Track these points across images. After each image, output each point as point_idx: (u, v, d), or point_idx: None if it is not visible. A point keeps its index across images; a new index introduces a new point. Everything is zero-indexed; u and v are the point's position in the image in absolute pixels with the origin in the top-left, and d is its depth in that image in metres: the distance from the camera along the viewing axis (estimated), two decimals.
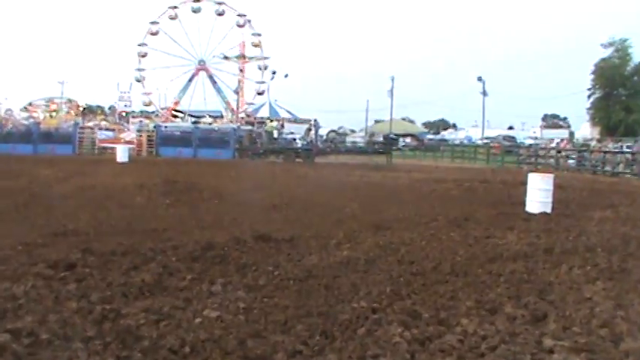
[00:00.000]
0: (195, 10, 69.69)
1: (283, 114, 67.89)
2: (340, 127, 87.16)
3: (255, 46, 69.80)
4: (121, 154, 36.83)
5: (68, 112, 61.26)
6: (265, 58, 69.97)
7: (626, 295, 6.78)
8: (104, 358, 4.86)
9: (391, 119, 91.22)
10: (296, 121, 65.38)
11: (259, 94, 70.64)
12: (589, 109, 70.70)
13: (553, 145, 57.28)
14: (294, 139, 50.61)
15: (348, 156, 46.01)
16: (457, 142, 76.90)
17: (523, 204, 15.32)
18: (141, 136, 46.72)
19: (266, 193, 18.70)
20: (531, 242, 10.31)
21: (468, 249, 9.72)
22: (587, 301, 6.57)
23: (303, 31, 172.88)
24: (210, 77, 72.36)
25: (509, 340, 5.31)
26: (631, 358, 4.90)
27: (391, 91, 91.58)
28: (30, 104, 61.65)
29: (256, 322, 5.82)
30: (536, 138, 77.39)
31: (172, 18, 69.76)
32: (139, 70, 69.68)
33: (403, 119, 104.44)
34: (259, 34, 70.14)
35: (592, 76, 68.27)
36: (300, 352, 5.13)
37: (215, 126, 54.74)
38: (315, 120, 58.51)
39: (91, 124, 53.92)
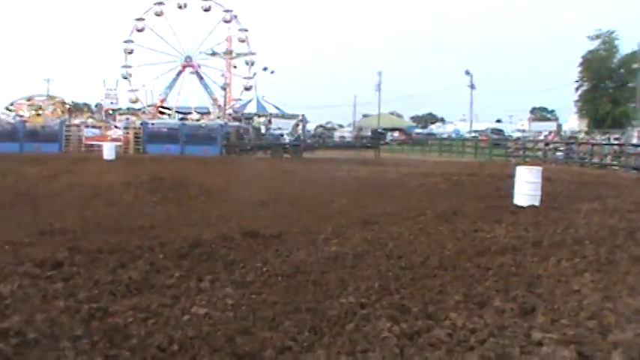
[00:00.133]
0: (181, 6, 69.45)
1: (271, 110, 67.75)
2: (328, 122, 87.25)
3: (242, 41, 69.64)
4: (108, 151, 36.63)
5: (54, 110, 60.88)
6: (252, 53, 69.87)
7: (614, 287, 6.80)
8: (92, 357, 4.84)
9: (379, 114, 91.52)
10: (283, 116, 65.29)
11: (246, 89, 70.57)
12: (576, 101, 71.10)
13: (541, 137, 57.57)
14: (282, 135, 50.57)
15: (336, 151, 46.01)
16: (445, 135, 77.10)
17: (511, 197, 15.35)
18: (128, 133, 46.48)
19: (254, 190, 18.69)
20: (519, 235, 10.34)
21: (456, 243, 9.74)
22: (576, 293, 6.59)
23: (290, 26, 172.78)
24: (197, 73, 72.18)
25: (497, 334, 5.32)
26: (619, 349, 4.91)
27: (379, 85, 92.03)
28: (14, 103, 61.23)
29: (244, 319, 5.81)
30: (524, 131, 77.81)
31: (158, 14, 69.51)
32: (126, 67, 69.43)
33: (391, 114, 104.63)
34: (246, 30, 70.02)
35: (579, 69, 68.66)
36: (289, 348, 5.12)
37: (202, 122, 54.51)
38: (303, 115, 58.48)
39: (77, 121, 53.55)
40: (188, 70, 72.07)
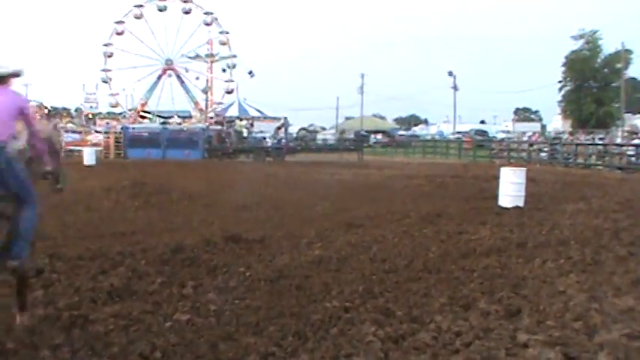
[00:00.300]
0: (161, 9, 68.99)
1: (253, 113, 67.48)
2: (311, 125, 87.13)
3: (223, 44, 69.29)
4: (88, 156, 36.32)
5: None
6: (233, 56, 69.64)
7: (600, 288, 6.85)
8: None
9: (362, 116, 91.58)
10: (266, 119, 65.19)
11: (228, 92, 70.28)
12: (560, 101, 71.52)
13: (525, 138, 57.82)
14: (264, 138, 50.44)
15: (319, 154, 46.01)
16: (429, 137, 77.30)
17: (495, 198, 15.44)
18: (108, 137, 46.17)
19: (236, 194, 18.63)
20: (504, 237, 10.40)
21: (440, 245, 9.78)
22: (561, 294, 6.63)
23: (271, 28, 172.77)
24: (178, 77, 71.81)
25: (483, 336, 5.34)
26: (605, 350, 4.93)
27: (361, 87, 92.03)
28: None
29: (228, 325, 5.80)
30: (508, 132, 78.14)
31: (138, 17, 68.99)
32: (105, 70, 68.82)
33: (374, 116, 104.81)
34: (227, 32, 69.77)
35: (563, 69, 69.07)
36: (273, 353, 5.11)
37: (184, 126, 54.28)
38: (285, 118, 58.41)
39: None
40: (169, 73, 71.73)
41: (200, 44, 68.35)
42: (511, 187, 15.25)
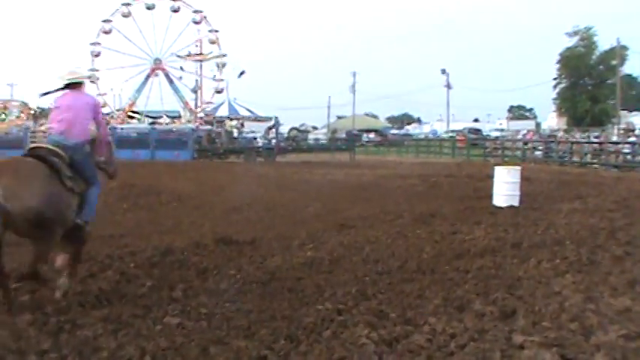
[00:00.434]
0: (150, 7, 68.83)
1: (243, 112, 67.45)
2: (302, 125, 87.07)
3: (213, 42, 69.22)
4: None
5: (19, 116, 60.18)
6: (223, 55, 69.54)
7: (596, 288, 6.86)
8: None
9: (354, 115, 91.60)
10: (256, 119, 65.13)
11: (218, 92, 70.17)
12: (555, 99, 71.85)
13: (519, 136, 57.99)
14: (255, 138, 50.39)
15: (311, 154, 46.00)
16: (422, 136, 77.41)
17: (490, 198, 15.48)
18: None
19: (226, 195, 18.61)
20: (499, 237, 10.42)
21: (434, 246, 9.79)
22: (557, 295, 6.63)
23: (261, 26, 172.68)
24: (167, 76, 71.65)
25: (478, 338, 5.33)
26: (602, 351, 4.94)
27: (353, 86, 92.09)
28: None
29: (218, 328, 5.79)
30: (502, 130, 78.37)
31: (125, 15, 68.81)
32: (93, 70, 68.59)
33: (366, 115, 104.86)
34: (216, 31, 69.67)
35: (557, 66, 69.28)
36: (265, 357, 5.11)
37: (173, 126, 54.20)
38: (276, 118, 58.39)
39: (43, 127, 52.96)
40: (158, 72, 71.52)
41: (189, 43, 68.22)
42: (505, 187, 15.28)
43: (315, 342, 5.39)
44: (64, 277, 6.89)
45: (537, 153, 41.95)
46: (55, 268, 6.98)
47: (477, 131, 75.81)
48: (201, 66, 66.65)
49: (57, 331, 5.61)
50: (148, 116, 64.27)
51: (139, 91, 70.50)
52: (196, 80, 64.74)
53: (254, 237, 10.59)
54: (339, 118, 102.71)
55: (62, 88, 7.32)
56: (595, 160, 35.59)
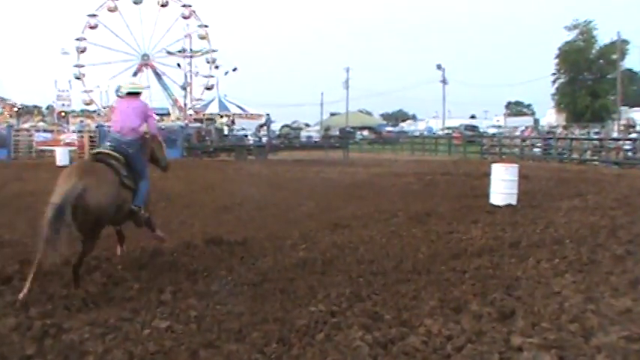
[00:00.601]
0: (137, 2, 68.82)
1: (234, 109, 67.61)
2: (294, 122, 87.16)
3: (202, 38, 69.32)
4: (61, 157, 36.08)
5: (2, 114, 60.02)
6: (213, 50, 69.58)
7: (597, 288, 6.89)
8: None
9: (347, 112, 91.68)
10: (247, 116, 65.26)
11: (208, 89, 70.23)
12: (554, 94, 71.80)
13: (517, 133, 58.05)
14: (246, 136, 50.43)
15: (303, 152, 45.99)
16: (417, 133, 77.39)
17: (487, 196, 15.51)
18: (82, 137, 45.77)
19: (217, 194, 18.58)
20: (496, 236, 10.45)
21: (430, 245, 9.81)
22: (556, 295, 6.66)
23: (252, 21, 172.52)
24: (156, 73, 71.62)
25: (475, 340, 5.34)
26: (603, 353, 4.95)
27: (346, 82, 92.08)
28: None
29: (209, 331, 5.78)
30: (499, 127, 78.51)
31: (112, 10, 68.79)
32: (78, 66, 68.55)
33: (360, 111, 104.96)
34: (206, 26, 69.75)
35: (556, 61, 69.33)
36: None
37: (162, 124, 54.09)
38: (268, 115, 58.42)
39: (27, 125, 52.85)
40: (146, 69, 71.42)
41: (178, 38, 68.15)
42: (503, 185, 15.30)
43: (308, 345, 5.39)
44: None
45: (536, 150, 42.02)
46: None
47: (474, 128, 75.91)
48: (190, 62, 66.55)
49: (41, 335, 5.59)
50: None
51: None
52: (185, 76, 64.60)
53: (245, 237, 10.58)
54: (332, 115, 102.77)
55: (124, 95, 8.89)
56: (595, 157, 35.70)
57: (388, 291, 7.13)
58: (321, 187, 21.34)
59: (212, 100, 69.46)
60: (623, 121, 55.55)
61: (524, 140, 46.17)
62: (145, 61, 70.99)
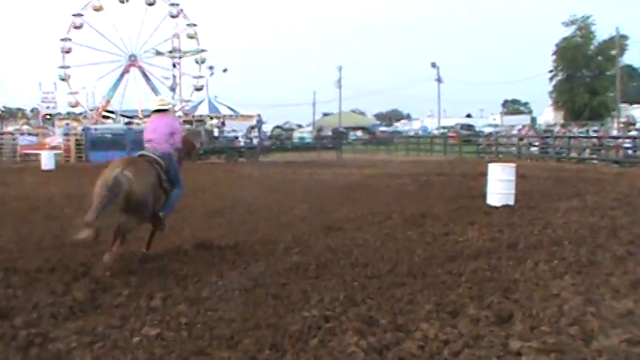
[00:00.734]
0: (123, 1, 68.65)
1: (224, 111, 67.44)
2: (286, 123, 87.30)
3: (191, 37, 69.17)
4: (46, 161, 36.03)
5: None
6: (202, 50, 69.47)
7: (597, 290, 6.91)
8: None
9: (340, 112, 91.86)
10: (238, 117, 65.16)
11: (197, 90, 70.10)
12: (551, 92, 72.17)
13: (514, 132, 58.17)
14: (237, 138, 50.36)
15: (295, 153, 46.04)
16: (412, 133, 77.64)
17: (484, 197, 15.54)
18: (68, 140, 45.71)
19: (207, 197, 18.54)
20: (494, 237, 10.48)
21: (426, 248, 9.82)
22: (555, 297, 6.68)
23: (242, 20, 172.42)
24: (143, 73, 71.42)
25: (473, 344, 5.35)
26: (604, 356, 4.97)
27: (339, 81, 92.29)
28: None
29: (200, 338, 5.77)
30: (496, 125, 78.81)
31: (97, 9, 68.54)
32: (63, 67, 68.29)
33: (353, 111, 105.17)
34: (195, 25, 69.58)
35: (553, 57, 69.59)
36: None
37: None
38: (259, 116, 58.41)
39: (11, 128, 52.79)
40: (133, 70, 71.22)
41: (166, 38, 67.96)
42: (500, 185, 15.34)
43: (302, 351, 5.38)
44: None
45: (533, 149, 42.13)
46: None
47: (470, 127, 76.12)
48: (179, 62, 66.43)
49: (27, 345, 5.56)
50: (123, 116, 64.10)
51: (113, 89, 70.15)
52: (174, 77, 64.47)
53: (237, 241, 10.60)
54: (325, 115, 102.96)
55: (153, 112, 10.41)
56: (594, 156, 35.81)
57: (383, 295, 7.14)
58: (314, 189, 21.35)
59: (202, 102, 69.30)
60: (622, 119, 55.81)
61: (521, 139, 46.22)
62: (133, 62, 70.77)
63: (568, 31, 68.09)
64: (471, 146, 49.89)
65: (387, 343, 5.45)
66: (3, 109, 65.17)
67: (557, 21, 68.75)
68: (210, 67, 68.16)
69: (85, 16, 68.77)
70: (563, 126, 59.14)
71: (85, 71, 69.42)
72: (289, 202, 16.76)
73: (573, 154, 37.04)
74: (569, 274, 7.68)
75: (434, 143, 55.77)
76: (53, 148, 43.62)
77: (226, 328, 6.02)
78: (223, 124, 58.93)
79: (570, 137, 40.99)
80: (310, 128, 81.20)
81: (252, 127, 53.64)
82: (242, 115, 65.63)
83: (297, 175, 27.72)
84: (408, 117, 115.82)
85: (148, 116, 62.51)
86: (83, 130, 47.87)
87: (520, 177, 16.81)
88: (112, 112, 67.13)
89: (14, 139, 46.24)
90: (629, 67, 78.78)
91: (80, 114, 67.37)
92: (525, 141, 45.03)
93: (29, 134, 48.76)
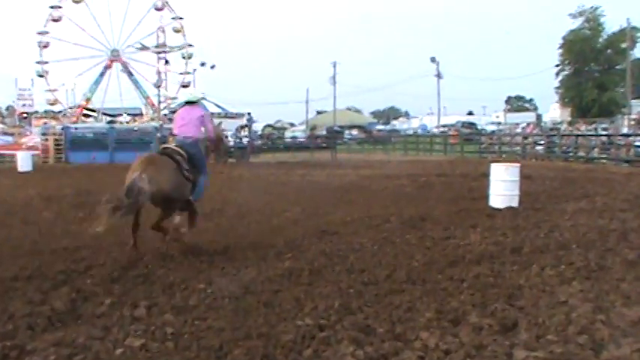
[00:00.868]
0: None
1: (212, 109, 67.23)
2: (277, 121, 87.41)
3: (177, 31, 69.13)
4: (23, 162, 35.96)
5: None
6: (189, 45, 69.44)
7: (607, 297, 6.90)
8: None
9: (335, 110, 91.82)
10: (227, 116, 65.12)
11: (184, 87, 69.95)
12: (558, 88, 72.24)
13: (519, 130, 58.30)
14: (226, 137, 50.37)
15: (288, 153, 46.09)
16: (410, 132, 77.76)
17: (486, 198, 15.56)
18: (46, 140, 45.67)
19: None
20: (497, 241, 10.48)
21: (425, 253, 9.83)
22: (563, 305, 6.66)
23: (231, 14, 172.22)
24: (126, 69, 71.30)
25: (475, 354, 5.35)
26: None
27: (334, 77, 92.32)
28: None
29: (187, 349, 5.75)
30: (499, 123, 79.02)
31: (77, 1, 68.37)
32: (41, 62, 68.06)
33: (348, 109, 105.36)
34: (181, 18, 69.53)
35: (560, 51, 69.57)
36: None
37: (134, 125, 54.06)
38: (249, 114, 58.42)
39: None
40: (116, 65, 71.07)
41: (151, 32, 67.77)
42: (503, 186, 15.36)
43: None
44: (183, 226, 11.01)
45: (538, 148, 42.26)
46: (175, 223, 10.79)
47: (472, 125, 76.34)
48: (165, 57, 66.30)
49: (1, 359, 5.55)
50: (105, 114, 64.02)
51: (94, 86, 69.91)
52: (159, 73, 64.38)
53: (226, 246, 10.64)
54: (319, 113, 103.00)
55: (185, 103, 11.87)
56: (603, 155, 35.90)
57: (380, 302, 7.13)
58: (308, 191, 21.36)
59: None
60: (633, 116, 55.83)
61: (525, 138, 46.43)
62: (115, 57, 70.62)
63: (576, 23, 68.27)
64: (473, 145, 50.06)
65: (384, 353, 5.44)
66: None
67: (564, 12, 68.70)
68: (203, 64, 68.07)
69: (64, 9, 68.55)
70: (570, 123, 59.30)
71: (64, 67, 69.24)
72: (281, 204, 16.75)
73: (581, 154, 37.12)
74: (577, 280, 7.68)
75: (433, 142, 55.91)
76: (30, 148, 43.57)
77: (215, 338, 6.00)
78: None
79: (578, 135, 41.12)
80: (303, 127, 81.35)
81: (242, 127, 53.70)
82: (231, 114, 65.61)
83: (289, 177, 27.75)
84: (407, 115, 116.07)
85: (172, 112, 62.84)
86: (62, 129, 47.78)
87: (524, 178, 16.86)
88: (93, 110, 66.99)
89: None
90: None
91: (59, 112, 67.09)
92: (530, 140, 45.20)
93: (4, 134, 48.71)
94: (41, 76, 68.01)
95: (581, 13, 67.53)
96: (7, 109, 73.92)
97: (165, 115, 61.49)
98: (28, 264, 9.35)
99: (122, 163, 39.18)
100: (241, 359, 5.44)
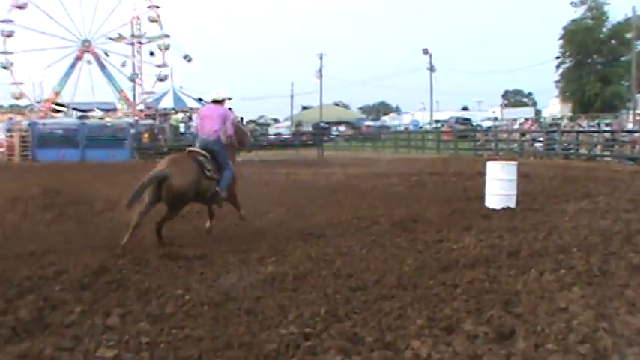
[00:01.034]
0: None
1: (191, 103, 67.16)
2: (260, 117, 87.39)
3: (153, 21, 68.73)
4: None
5: None
6: (166, 36, 69.16)
7: (610, 303, 6.92)
8: None
9: (321, 105, 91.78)
10: None
11: (160, 80, 69.72)
12: (558, 81, 72.19)
13: (516, 126, 58.45)
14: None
15: (271, 151, 46.11)
16: (401, 128, 77.95)
17: (482, 199, 15.60)
18: (11, 136, 45.49)
19: None
20: (493, 244, 10.50)
21: (417, 256, 9.84)
22: (563, 311, 6.69)
23: (210, 3, 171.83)
24: (99, 61, 70.92)
25: None
26: None
27: (320, 71, 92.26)
28: None
29: None
30: (495, 119, 79.19)
31: None
32: (5, 53, 67.52)
33: (336, 104, 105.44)
34: (157, 7, 69.24)
35: (560, 42, 69.59)
36: None
37: (107, 121, 53.91)
38: (230, 109, 58.24)
39: None
40: (87, 57, 70.64)
41: (124, 22, 67.46)
42: (500, 185, 15.40)
43: None
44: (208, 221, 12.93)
45: (537, 145, 42.30)
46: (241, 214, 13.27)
47: (466, 121, 76.61)
48: (140, 49, 66.08)
49: None
50: (76, 109, 63.69)
51: (64, 79, 69.41)
52: (134, 65, 64.15)
53: (205, 250, 10.60)
54: (304, 108, 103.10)
55: (211, 102, 13.33)
56: (606, 153, 36.01)
57: (369, 309, 7.14)
58: (292, 191, 21.41)
59: (166, 93, 68.96)
60: (638, 111, 55.97)
61: (523, 134, 46.47)
62: (86, 48, 70.18)
63: (577, 13, 68.20)
64: (468, 142, 50.18)
65: None
66: None
67: (565, 1, 68.63)
68: (186, 57, 67.86)
69: None
70: (571, 119, 59.45)
71: (31, 58, 68.72)
72: (264, 205, 16.75)
73: (583, 151, 37.22)
74: (578, 285, 7.70)
75: (426, 139, 56.05)
76: None
77: (193, 347, 5.99)
78: (190, 118, 58.81)
79: (579, 132, 41.24)
80: (288, 123, 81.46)
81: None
82: None
83: (273, 176, 27.79)
84: (397, 110, 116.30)
85: (148, 107, 62.82)
86: (29, 125, 47.63)
87: (522, 176, 16.92)
88: (62, 104, 66.62)
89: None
90: None
91: (26, 107, 66.67)
92: (528, 136, 45.24)
93: None
94: (5, 67, 67.38)
95: (583, 2, 67.41)
96: None
97: (140, 110, 61.33)
98: None
99: (94, 162, 39.41)
100: None
